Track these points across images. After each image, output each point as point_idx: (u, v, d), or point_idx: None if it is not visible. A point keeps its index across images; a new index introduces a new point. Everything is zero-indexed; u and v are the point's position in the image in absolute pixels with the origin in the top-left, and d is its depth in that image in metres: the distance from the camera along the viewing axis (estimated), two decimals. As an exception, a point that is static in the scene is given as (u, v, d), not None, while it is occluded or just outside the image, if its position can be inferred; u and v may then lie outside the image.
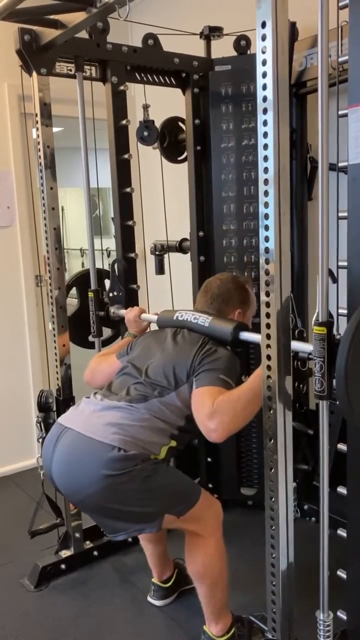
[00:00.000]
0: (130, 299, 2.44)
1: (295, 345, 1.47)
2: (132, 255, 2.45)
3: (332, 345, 1.34)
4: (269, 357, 1.40)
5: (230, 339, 1.78)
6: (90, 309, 2.40)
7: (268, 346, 1.39)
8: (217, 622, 1.83)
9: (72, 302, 2.51)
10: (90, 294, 2.39)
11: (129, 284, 2.45)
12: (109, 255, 2.97)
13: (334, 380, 1.32)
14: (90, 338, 2.46)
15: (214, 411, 1.57)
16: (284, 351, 1.40)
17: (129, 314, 2.23)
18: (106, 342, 2.57)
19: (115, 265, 2.40)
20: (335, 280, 1.47)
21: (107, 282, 2.46)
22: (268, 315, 1.38)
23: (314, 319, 1.37)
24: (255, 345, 2.56)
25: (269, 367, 1.40)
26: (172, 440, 1.73)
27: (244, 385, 1.62)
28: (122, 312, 2.33)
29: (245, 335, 1.80)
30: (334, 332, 1.36)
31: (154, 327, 2.11)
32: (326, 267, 1.35)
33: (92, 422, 1.69)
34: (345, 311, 1.52)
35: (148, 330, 2.22)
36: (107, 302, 2.40)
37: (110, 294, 2.40)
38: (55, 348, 2.29)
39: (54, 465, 1.71)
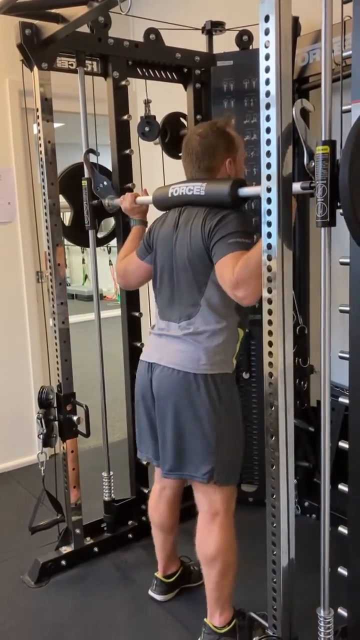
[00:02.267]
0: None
1: (297, 184, 1.40)
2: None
3: (335, 166, 1.29)
4: (270, 354, 1.39)
5: (230, 200, 1.67)
6: (83, 199, 2.31)
7: (270, 343, 1.38)
8: (221, 612, 1.83)
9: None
10: (84, 183, 2.30)
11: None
12: (109, 252, 2.95)
13: (339, 206, 1.29)
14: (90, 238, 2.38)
15: (236, 280, 1.56)
16: (286, 347, 1.39)
17: (124, 203, 2.18)
18: (105, 240, 2.56)
19: (89, 156, 2.28)
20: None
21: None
22: (270, 312, 1.37)
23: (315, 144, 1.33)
24: (256, 341, 2.58)
25: (270, 364, 1.39)
26: (240, 330, 1.80)
27: (259, 244, 1.51)
28: (117, 201, 2.27)
29: (245, 191, 1.67)
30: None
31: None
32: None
33: (171, 354, 1.78)
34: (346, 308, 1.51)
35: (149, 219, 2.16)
36: (98, 196, 2.31)
37: (98, 188, 2.30)
38: (55, 344, 2.28)
39: (154, 387, 1.82)
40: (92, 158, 2.31)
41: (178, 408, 1.75)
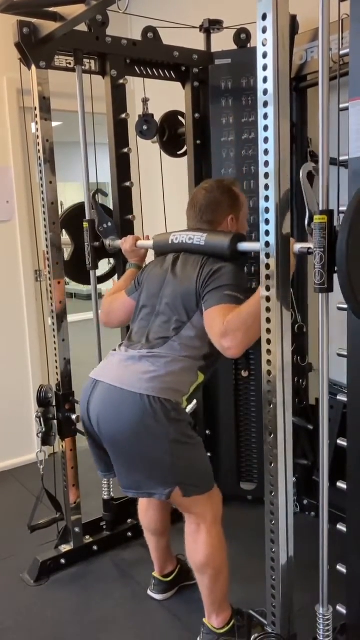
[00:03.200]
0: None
1: (298, 245, 1.44)
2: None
3: (333, 235, 1.31)
4: (269, 352, 1.39)
5: (228, 253, 1.73)
6: (85, 240, 2.33)
7: (268, 341, 1.39)
8: (218, 614, 1.83)
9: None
10: (85, 225, 2.32)
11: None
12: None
13: (335, 271, 1.31)
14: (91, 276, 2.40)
15: (226, 330, 1.58)
16: (285, 345, 1.39)
17: (124, 245, 2.21)
18: (104, 278, 2.56)
19: (97, 196, 2.32)
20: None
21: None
22: (269, 310, 1.38)
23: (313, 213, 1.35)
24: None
25: (269, 362, 1.40)
26: (200, 374, 1.76)
27: (252, 298, 1.58)
28: (118, 243, 2.29)
29: (244, 246, 1.74)
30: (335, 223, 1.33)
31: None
32: (327, 156, 1.32)
33: (121, 373, 1.73)
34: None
35: (147, 259, 2.18)
36: (100, 236, 2.34)
37: (101, 228, 2.33)
38: (54, 343, 2.28)
39: (92, 411, 1.75)
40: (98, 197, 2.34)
41: (122, 431, 1.67)
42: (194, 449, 1.74)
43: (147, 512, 2.07)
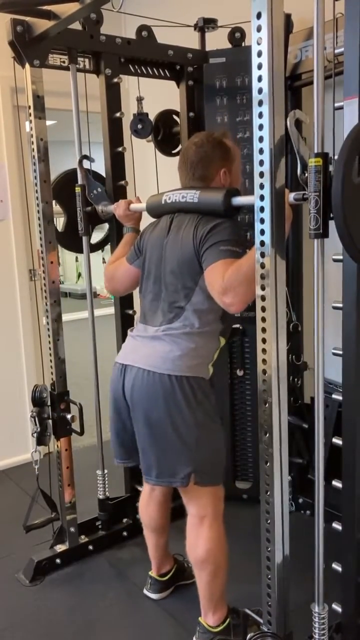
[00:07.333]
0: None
1: (290, 196, 1.43)
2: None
3: (328, 178, 1.30)
4: (264, 351, 1.39)
5: (222, 208, 1.69)
6: (77, 206, 2.30)
7: (264, 340, 1.39)
8: (215, 612, 1.83)
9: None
10: (77, 189, 2.29)
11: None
12: (102, 250, 2.94)
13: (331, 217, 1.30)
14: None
15: (225, 286, 1.56)
16: (280, 344, 1.39)
17: (117, 210, 2.19)
18: (99, 246, 2.55)
19: (84, 162, 2.28)
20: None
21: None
22: (264, 309, 1.37)
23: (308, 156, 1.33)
24: (250, 338, 2.58)
25: (264, 361, 1.39)
26: (221, 338, 1.78)
27: (250, 253, 1.53)
28: (111, 208, 2.27)
29: (238, 200, 1.70)
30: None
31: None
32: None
33: (147, 355, 1.75)
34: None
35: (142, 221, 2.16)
36: (91, 203, 2.31)
37: (91, 194, 2.30)
38: (49, 342, 2.28)
39: (127, 392, 1.79)
40: (86, 164, 2.29)
41: (153, 412, 1.72)
42: (216, 436, 1.78)
43: (147, 507, 2.06)
